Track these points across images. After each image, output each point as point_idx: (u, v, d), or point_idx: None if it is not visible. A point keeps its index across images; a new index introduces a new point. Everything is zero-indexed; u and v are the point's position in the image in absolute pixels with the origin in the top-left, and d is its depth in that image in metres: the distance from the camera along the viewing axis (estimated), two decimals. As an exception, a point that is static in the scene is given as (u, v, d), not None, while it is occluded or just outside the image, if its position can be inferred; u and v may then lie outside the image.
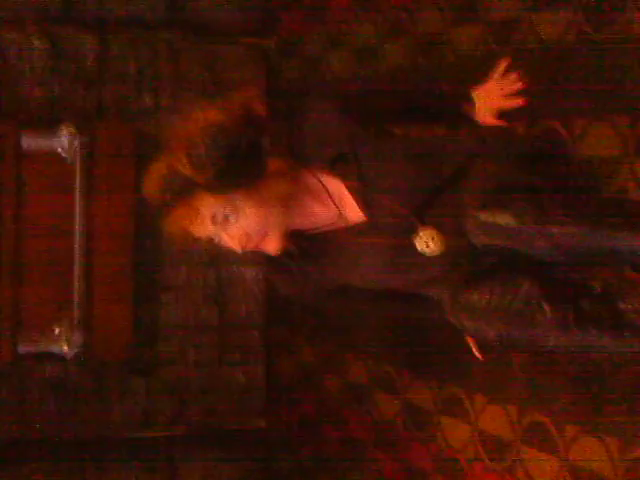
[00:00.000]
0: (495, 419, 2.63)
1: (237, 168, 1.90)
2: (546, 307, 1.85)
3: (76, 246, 3.39)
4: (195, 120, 1.93)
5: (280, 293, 2.27)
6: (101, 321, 3.50)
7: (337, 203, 2.05)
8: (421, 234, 2.01)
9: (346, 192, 2.03)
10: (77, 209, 3.35)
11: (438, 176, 2.01)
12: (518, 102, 2.23)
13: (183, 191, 1.93)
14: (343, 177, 2.03)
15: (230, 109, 1.95)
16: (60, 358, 3.45)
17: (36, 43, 3.34)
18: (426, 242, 2.01)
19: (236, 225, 1.95)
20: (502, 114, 2.25)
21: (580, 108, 2.25)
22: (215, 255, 3.56)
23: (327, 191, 2.06)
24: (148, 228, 3.39)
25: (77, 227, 3.38)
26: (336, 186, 2.04)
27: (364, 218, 2.03)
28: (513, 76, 2.23)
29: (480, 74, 2.28)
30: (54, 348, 3.40)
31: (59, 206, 3.35)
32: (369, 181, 2.00)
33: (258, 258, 2.41)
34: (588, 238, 1.85)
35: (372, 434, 3.30)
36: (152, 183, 1.96)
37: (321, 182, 2.06)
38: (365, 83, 2.58)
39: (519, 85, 2.23)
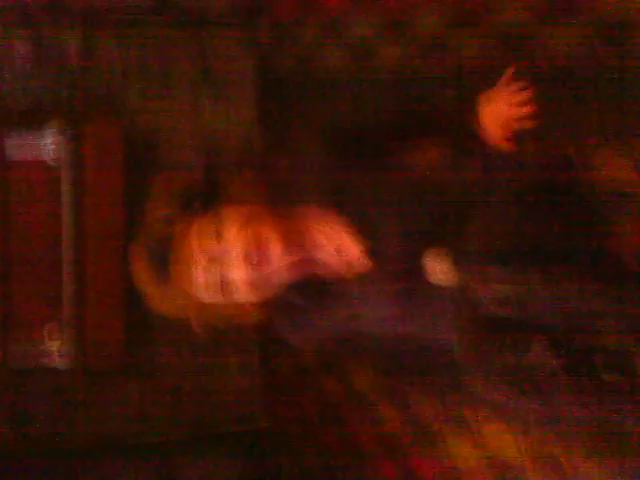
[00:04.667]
0: (502, 441, 2.55)
1: (199, 200, 1.85)
2: (559, 371, 1.75)
3: (65, 252, 3.28)
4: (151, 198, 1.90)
5: (283, 337, 2.17)
6: (93, 326, 3.41)
7: (337, 245, 1.95)
8: (429, 256, 1.89)
9: (345, 231, 1.91)
10: (66, 213, 3.23)
11: (439, 213, 1.88)
12: (527, 111, 2.10)
13: (168, 249, 1.84)
14: (339, 215, 1.90)
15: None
16: (53, 368, 3.36)
17: (17, 41, 3.19)
18: (438, 264, 1.90)
19: (227, 248, 1.82)
20: (510, 137, 2.14)
21: (598, 132, 2.13)
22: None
23: (324, 232, 1.94)
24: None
25: (66, 231, 3.26)
26: (333, 226, 1.92)
27: (367, 261, 1.90)
28: (520, 84, 2.09)
29: (484, 84, 2.16)
30: (46, 358, 3.30)
31: (47, 211, 3.23)
32: (368, 216, 1.89)
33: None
34: (606, 307, 1.75)
35: (374, 439, 3.23)
36: (140, 266, 1.87)
37: (317, 223, 1.93)
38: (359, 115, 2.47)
39: (527, 93, 2.11)
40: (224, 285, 1.87)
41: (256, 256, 1.87)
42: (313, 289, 1.98)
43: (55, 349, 3.33)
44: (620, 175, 2.13)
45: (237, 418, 3.71)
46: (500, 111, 2.13)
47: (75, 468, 3.47)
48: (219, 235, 1.86)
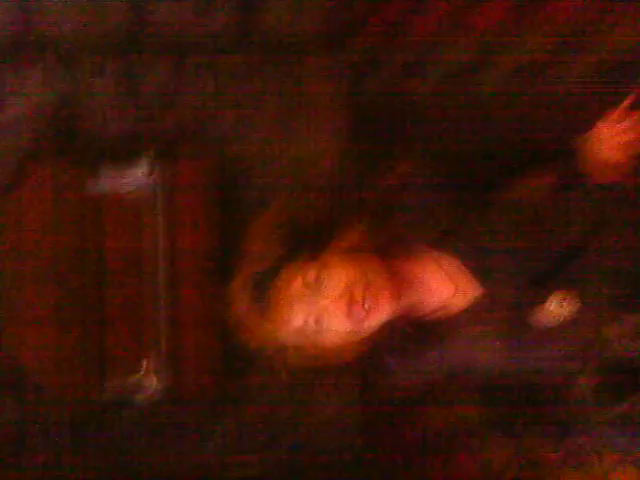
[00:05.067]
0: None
1: (307, 236, 1.83)
2: None
3: (161, 285, 3.24)
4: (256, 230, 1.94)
5: (389, 371, 2.09)
6: (189, 356, 3.37)
7: (452, 278, 1.86)
8: (554, 301, 1.82)
9: (459, 265, 1.85)
10: (160, 247, 3.19)
11: (562, 241, 1.81)
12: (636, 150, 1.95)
13: (270, 279, 1.82)
14: (455, 251, 1.84)
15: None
16: (148, 397, 3.31)
17: (107, 73, 3.16)
18: (563, 309, 1.82)
19: (330, 281, 1.78)
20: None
21: None
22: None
23: (440, 266, 1.87)
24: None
25: (161, 264, 3.22)
26: (447, 262, 1.85)
27: (481, 291, 1.83)
28: (635, 117, 1.94)
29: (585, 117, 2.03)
30: (142, 392, 3.27)
31: (142, 246, 3.20)
32: (484, 252, 1.82)
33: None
34: None
35: (478, 473, 3.12)
36: (240, 294, 1.87)
37: (431, 256, 1.87)
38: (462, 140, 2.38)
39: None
40: (321, 331, 1.81)
41: (362, 312, 1.81)
42: (421, 325, 1.91)
43: (151, 383, 3.29)
44: None
45: (335, 448, 3.62)
46: (610, 153, 1.99)
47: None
48: (322, 284, 1.81)
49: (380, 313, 1.79)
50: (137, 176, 3.15)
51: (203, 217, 3.31)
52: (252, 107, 3.25)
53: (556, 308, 1.79)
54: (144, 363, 3.33)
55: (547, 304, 1.80)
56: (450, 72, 2.94)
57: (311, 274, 1.77)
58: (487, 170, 2.01)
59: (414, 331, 1.90)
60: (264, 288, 1.81)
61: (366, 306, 1.77)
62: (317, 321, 1.79)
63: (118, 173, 3.14)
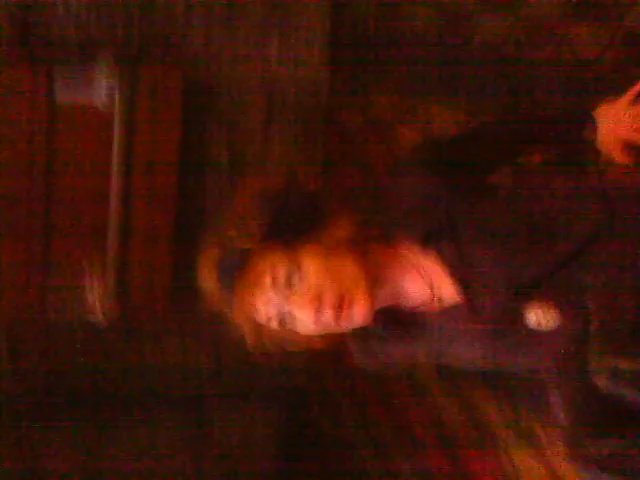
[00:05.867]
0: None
1: (289, 222, 1.67)
2: None
3: (113, 200, 3.07)
4: (237, 200, 1.73)
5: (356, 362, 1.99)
6: (137, 272, 3.24)
7: (430, 281, 1.75)
8: (528, 312, 1.71)
9: (441, 270, 1.73)
10: (115, 163, 3.00)
11: (552, 252, 1.68)
12: None
13: (238, 266, 1.66)
14: (438, 254, 1.72)
15: (274, 182, 1.74)
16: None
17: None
18: (536, 319, 1.73)
19: (302, 287, 1.65)
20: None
21: None
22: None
23: (419, 267, 1.75)
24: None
25: (115, 181, 3.05)
26: (429, 263, 1.74)
27: (461, 300, 1.72)
28: None
29: (605, 87, 1.90)
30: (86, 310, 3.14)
31: (96, 160, 3.00)
32: (468, 258, 1.69)
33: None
34: None
35: (426, 422, 3.09)
36: (206, 274, 1.72)
37: (412, 256, 1.75)
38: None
39: None
40: (285, 320, 1.70)
41: (330, 321, 1.70)
42: (396, 320, 1.81)
43: (96, 300, 3.16)
44: None
45: (276, 373, 3.58)
46: (620, 131, 1.91)
47: (110, 420, 3.38)
48: (292, 287, 1.69)
49: (350, 321, 1.67)
50: (95, 81, 2.92)
51: (163, 128, 3.12)
52: (226, 22, 3.02)
53: (534, 319, 1.70)
54: (91, 275, 3.20)
55: (526, 315, 1.71)
56: (448, 10, 2.73)
57: (282, 273, 1.64)
58: (482, 148, 1.90)
59: (384, 323, 1.80)
60: (230, 273, 1.68)
61: (336, 314, 1.64)
62: (281, 323, 1.67)
63: (75, 78, 2.91)
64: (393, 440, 3.18)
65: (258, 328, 1.72)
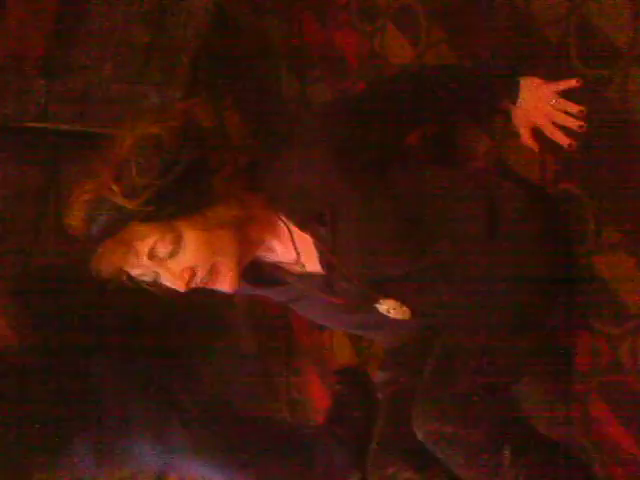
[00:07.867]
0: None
1: (177, 191, 1.63)
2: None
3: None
4: (125, 137, 1.64)
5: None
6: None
7: (299, 250, 1.85)
8: (381, 304, 1.86)
9: (312, 246, 1.82)
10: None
11: (419, 262, 1.76)
12: (564, 141, 1.85)
13: (113, 222, 1.65)
14: (312, 237, 1.80)
15: (168, 120, 1.66)
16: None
17: None
18: (387, 308, 1.87)
19: (178, 259, 1.70)
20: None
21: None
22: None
23: (292, 237, 1.84)
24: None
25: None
26: (303, 237, 1.82)
27: (322, 273, 1.84)
28: (576, 108, 1.83)
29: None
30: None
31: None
32: (339, 249, 1.77)
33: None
34: None
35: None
36: (75, 214, 1.69)
37: (288, 227, 1.83)
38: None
39: (577, 123, 1.82)
40: (153, 277, 1.77)
41: (204, 284, 1.78)
42: (257, 272, 1.90)
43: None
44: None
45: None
46: (539, 115, 1.88)
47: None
48: (169, 259, 1.72)
49: (216, 288, 1.77)
50: None
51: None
52: None
53: (384, 308, 1.84)
54: None
55: (379, 304, 1.84)
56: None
57: (162, 245, 1.66)
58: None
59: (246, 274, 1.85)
60: (102, 228, 1.65)
61: (204, 283, 1.75)
62: (154, 280, 1.75)
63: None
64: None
65: (120, 273, 1.74)
